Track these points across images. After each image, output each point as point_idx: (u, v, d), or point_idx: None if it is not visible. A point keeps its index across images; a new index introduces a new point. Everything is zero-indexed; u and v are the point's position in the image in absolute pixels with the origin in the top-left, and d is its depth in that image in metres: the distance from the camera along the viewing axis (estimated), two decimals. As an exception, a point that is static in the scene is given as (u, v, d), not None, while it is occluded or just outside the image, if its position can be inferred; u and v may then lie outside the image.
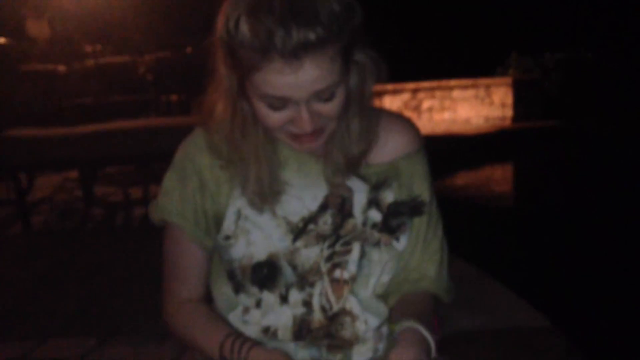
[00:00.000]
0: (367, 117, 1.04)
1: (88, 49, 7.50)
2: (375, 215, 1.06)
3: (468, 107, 9.96)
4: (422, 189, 1.10)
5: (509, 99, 9.74)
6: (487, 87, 9.86)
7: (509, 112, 9.73)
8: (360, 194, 1.06)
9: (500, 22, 11.77)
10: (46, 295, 2.78)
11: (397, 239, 1.07)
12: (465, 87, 9.95)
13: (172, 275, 1.09)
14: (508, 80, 9.91)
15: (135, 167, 4.52)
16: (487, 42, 11.21)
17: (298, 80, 0.89)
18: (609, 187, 5.17)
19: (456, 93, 10.02)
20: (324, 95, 0.92)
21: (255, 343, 1.00)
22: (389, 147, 1.08)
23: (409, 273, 1.10)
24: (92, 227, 4.07)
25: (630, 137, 6.67)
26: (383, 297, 1.10)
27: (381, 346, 1.09)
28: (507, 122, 9.63)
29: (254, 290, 1.06)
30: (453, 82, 10.02)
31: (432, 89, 10.07)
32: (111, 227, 4.07)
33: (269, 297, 1.06)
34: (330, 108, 0.94)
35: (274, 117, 0.95)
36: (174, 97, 6.39)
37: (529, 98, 9.77)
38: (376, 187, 1.06)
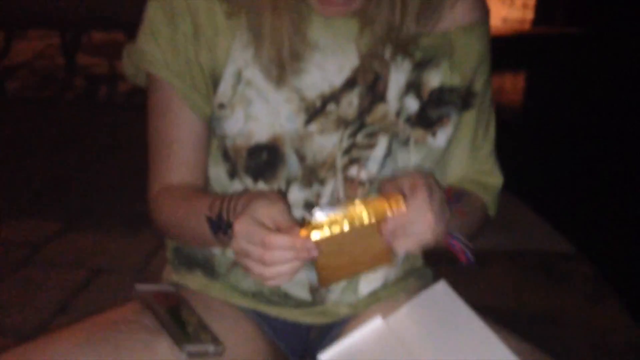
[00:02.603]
0: None
1: None
2: (412, 105, 0.80)
3: (487, 6, 9.43)
4: (478, 74, 0.83)
5: (532, 0, 9.19)
6: (511, -16, 9.26)
7: (529, 15, 9.20)
8: (399, 73, 0.79)
9: None
10: (10, 164, 2.49)
11: (434, 135, 0.81)
12: (487, -16, 9.36)
13: (160, 153, 0.81)
14: (533, -21, 9.32)
15: (123, 38, 4.12)
16: None
17: None
18: (629, 101, 4.84)
19: (476, -11, 9.45)
20: None
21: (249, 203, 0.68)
22: (445, 12, 0.80)
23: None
24: (72, 98, 3.74)
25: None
26: None
27: (392, 273, 0.86)
28: (527, 26, 9.13)
29: (247, 180, 0.80)
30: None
31: (451, -18, 9.47)
32: (93, 99, 3.74)
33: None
34: None
35: None
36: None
37: (552, 0, 9.22)
38: (420, 65, 0.80)
